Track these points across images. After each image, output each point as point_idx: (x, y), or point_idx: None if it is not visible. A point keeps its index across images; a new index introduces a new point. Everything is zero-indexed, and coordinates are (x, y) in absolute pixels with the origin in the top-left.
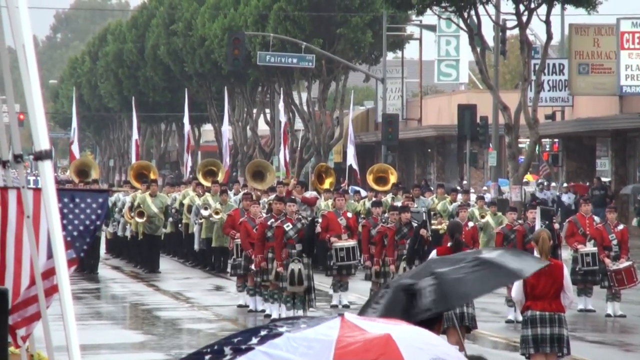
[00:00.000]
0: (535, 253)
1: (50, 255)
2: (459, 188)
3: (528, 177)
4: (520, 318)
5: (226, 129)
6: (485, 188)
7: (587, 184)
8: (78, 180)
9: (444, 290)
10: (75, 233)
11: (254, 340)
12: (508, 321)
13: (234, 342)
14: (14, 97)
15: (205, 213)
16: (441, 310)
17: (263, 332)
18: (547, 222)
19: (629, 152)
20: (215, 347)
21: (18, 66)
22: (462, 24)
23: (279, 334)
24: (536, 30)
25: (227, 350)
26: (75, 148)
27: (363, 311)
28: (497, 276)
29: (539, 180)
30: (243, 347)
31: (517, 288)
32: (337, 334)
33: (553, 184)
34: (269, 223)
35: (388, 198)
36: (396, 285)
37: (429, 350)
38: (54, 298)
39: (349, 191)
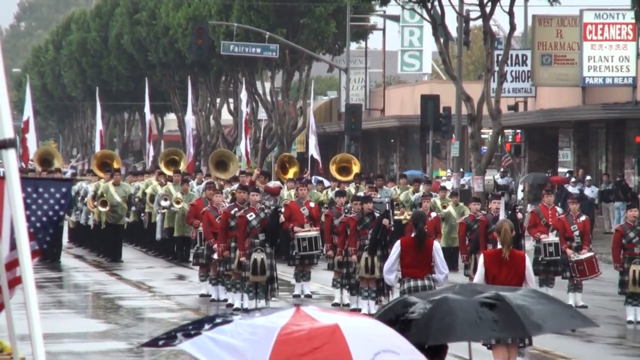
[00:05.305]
0: (498, 244)
1: (13, 247)
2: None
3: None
4: None
5: (190, 118)
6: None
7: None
8: (41, 169)
9: (513, 317)
10: (38, 224)
11: (206, 327)
12: None
13: (189, 328)
14: None
15: (164, 204)
16: (513, 337)
17: (218, 320)
18: (509, 212)
19: (591, 143)
20: (172, 333)
21: None
22: (425, 15)
23: (230, 321)
24: (499, 21)
25: (179, 335)
26: (31, 136)
27: (384, 315)
28: (572, 316)
29: (502, 169)
30: (193, 332)
31: (478, 278)
32: (285, 322)
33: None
34: (232, 212)
35: (351, 188)
36: (441, 297)
37: (379, 342)
38: (17, 288)
39: (312, 181)
